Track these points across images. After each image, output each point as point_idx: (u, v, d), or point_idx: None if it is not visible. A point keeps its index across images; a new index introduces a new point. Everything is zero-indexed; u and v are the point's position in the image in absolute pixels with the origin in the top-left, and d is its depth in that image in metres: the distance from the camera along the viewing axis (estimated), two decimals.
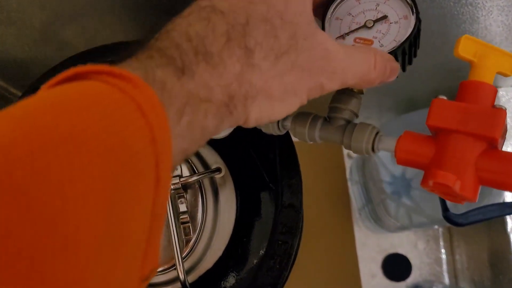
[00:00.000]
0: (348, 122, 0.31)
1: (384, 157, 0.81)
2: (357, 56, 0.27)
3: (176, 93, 0.20)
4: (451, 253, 0.96)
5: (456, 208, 0.63)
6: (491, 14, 0.47)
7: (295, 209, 0.35)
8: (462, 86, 0.27)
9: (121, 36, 0.51)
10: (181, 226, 0.38)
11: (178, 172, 0.39)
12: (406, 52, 0.30)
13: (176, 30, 0.22)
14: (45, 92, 0.18)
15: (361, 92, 0.32)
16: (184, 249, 0.38)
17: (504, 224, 0.73)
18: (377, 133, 0.29)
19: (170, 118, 0.20)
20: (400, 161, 0.27)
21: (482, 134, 0.25)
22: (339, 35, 0.31)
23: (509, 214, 0.63)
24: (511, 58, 0.27)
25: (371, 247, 0.95)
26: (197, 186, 0.39)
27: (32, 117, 0.16)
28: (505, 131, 0.26)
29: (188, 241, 0.38)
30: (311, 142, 0.32)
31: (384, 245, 0.94)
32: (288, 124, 0.32)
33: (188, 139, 0.21)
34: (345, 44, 0.28)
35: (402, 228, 0.88)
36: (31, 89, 0.38)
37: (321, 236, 0.95)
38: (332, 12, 0.32)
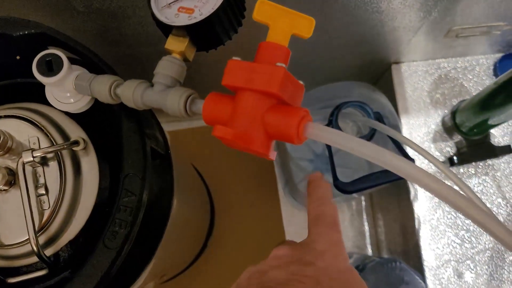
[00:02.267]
0: (170, 88, 0.32)
1: None
2: None
3: None
4: (373, 226, 1.00)
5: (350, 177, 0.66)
6: None
7: (139, 176, 0.36)
8: (258, 47, 0.29)
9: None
10: (38, 198, 0.39)
11: (35, 146, 0.39)
12: (222, 20, 0.32)
13: None
14: None
15: (186, 59, 0.33)
16: (43, 222, 0.39)
17: (408, 193, 0.76)
18: (189, 96, 0.30)
19: None
20: (206, 121, 0.29)
21: (263, 90, 0.26)
22: (165, 5, 0.33)
23: (395, 180, 0.66)
24: (305, 20, 0.28)
25: (297, 223, 0.97)
26: (55, 158, 0.39)
27: None
28: (293, 87, 0.27)
29: (45, 213, 0.39)
30: (140, 109, 0.33)
31: None
32: (119, 92, 0.33)
33: None
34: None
35: None
36: None
37: (249, 213, 0.98)
38: None
